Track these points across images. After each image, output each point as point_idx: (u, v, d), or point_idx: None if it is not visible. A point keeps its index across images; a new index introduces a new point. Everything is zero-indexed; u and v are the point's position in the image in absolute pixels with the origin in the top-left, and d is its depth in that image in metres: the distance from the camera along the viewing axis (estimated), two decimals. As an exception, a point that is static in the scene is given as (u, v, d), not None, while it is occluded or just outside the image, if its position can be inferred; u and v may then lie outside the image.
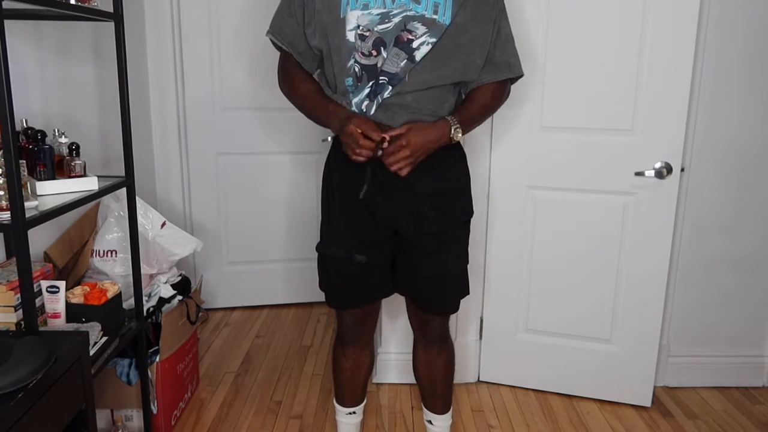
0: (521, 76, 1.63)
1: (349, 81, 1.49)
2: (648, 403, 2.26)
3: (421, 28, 1.43)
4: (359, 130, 1.41)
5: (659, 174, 2.04)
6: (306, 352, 2.69)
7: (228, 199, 3.02)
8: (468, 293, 1.72)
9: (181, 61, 2.83)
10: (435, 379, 1.79)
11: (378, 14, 1.43)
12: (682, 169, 2.16)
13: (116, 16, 1.68)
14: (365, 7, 1.43)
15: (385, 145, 1.44)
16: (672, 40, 1.97)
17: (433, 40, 1.44)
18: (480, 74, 1.55)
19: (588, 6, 2.01)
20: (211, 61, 2.86)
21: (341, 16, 1.45)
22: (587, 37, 2.04)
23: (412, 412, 2.21)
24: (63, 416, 1.25)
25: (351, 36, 1.45)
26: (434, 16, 1.43)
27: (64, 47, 2.03)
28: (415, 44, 1.43)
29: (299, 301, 3.19)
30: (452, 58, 1.47)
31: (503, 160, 2.21)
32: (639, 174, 2.06)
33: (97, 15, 1.59)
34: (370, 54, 1.44)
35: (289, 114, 2.90)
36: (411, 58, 1.44)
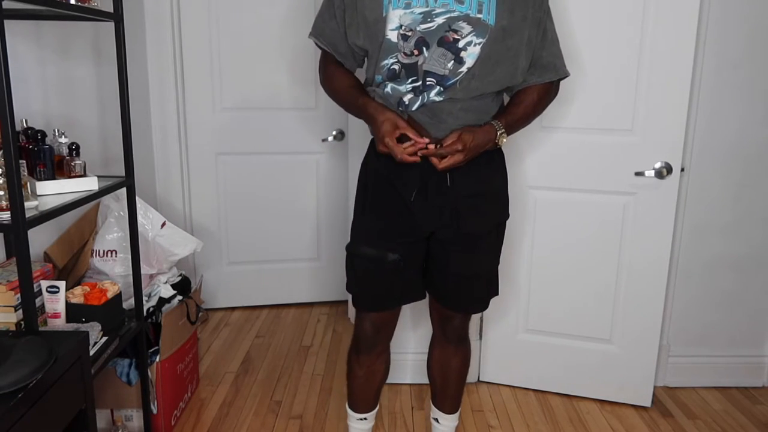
0: (567, 76, 1.63)
1: (378, 78, 1.48)
2: (648, 403, 2.26)
3: (466, 28, 1.41)
4: (395, 140, 1.43)
5: (659, 174, 2.04)
6: (306, 352, 2.69)
7: (228, 199, 3.02)
8: (497, 293, 1.72)
9: (181, 61, 2.82)
10: (448, 378, 1.79)
11: (420, 13, 1.41)
12: (682, 169, 2.16)
13: (116, 16, 1.68)
14: (407, 5, 1.41)
15: (432, 146, 1.44)
16: (672, 39, 1.97)
17: (480, 40, 1.41)
18: (526, 76, 1.54)
19: (588, 6, 2.01)
20: (211, 61, 2.86)
21: (383, 15, 1.43)
22: (587, 37, 2.03)
23: (412, 412, 2.21)
24: (63, 416, 1.25)
25: (393, 36, 1.43)
26: (479, 15, 1.41)
27: (64, 47, 2.03)
28: (461, 44, 1.41)
29: (299, 301, 3.19)
30: (501, 62, 1.46)
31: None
32: (639, 174, 2.06)
33: (97, 15, 1.59)
34: (412, 53, 1.43)
35: (289, 114, 2.94)
36: (458, 59, 1.42)
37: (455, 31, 1.40)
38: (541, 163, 2.17)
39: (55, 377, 1.19)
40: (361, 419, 1.83)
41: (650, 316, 2.19)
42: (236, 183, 3.01)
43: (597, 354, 2.26)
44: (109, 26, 1.72)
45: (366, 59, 1.58)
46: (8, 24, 1.23)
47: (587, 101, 2.08)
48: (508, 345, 2.36)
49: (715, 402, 2.31)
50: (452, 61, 1.42)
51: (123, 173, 1.79)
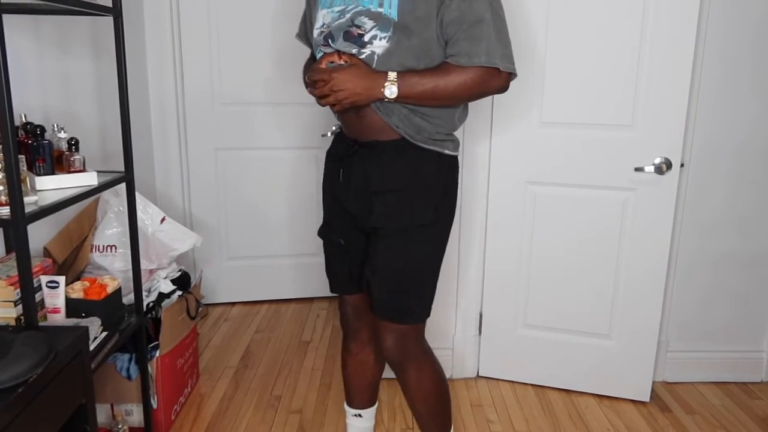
0: (487, 66, 1.38)
1: None
2: (647, 398, 2.26)
3: (368, 23, 1.40)
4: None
5: (659, 169, 2.04)
6: (306, 347, 2.69)
7: (227, 195, 3.02)
8: (423, 313, 1.54)
9: (180, 56, 2.82)
10: (414, 405, 1.65)
11: (338, 11, 1.44)
12: (682, 165, 2.16)
13: (115, 11, 1.68)
14: (330, 5, 1.47)
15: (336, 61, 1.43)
16: (672, 34, 1.96)
17: (385, 34, 1.38)
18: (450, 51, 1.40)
19: (588, 1, 2.01)
20: (210, 56, 2.85)
21: (314, 15, 1.53)
22: (587, 32, 2.03)
23: (411, 407, 2.21)
24: (63, 411, 1.25)
25: (317, 34, 1.50)
26: (380, 9, 1.39)
27: (63, 42, 2.02)
28: (366, 38, 1.40)
29: (299, 296, 3.19)
30: (404, 60, 1.40)
31: (503, 155, 2.21)
32: (638, 169, 2.06)
33: (96, 10, 1.59)
34: (324, 46, 1.49)
35: (288, 109, 2.93)
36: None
37: (358, 26, 1.41)
38: (540, 159, 2.17)
39: (55, 372, 1.19)
40: (356, 415, 1.80)
41: (649, 312, 2.19)
42: (236, 178, 3.01)
43: (596, 349, 2.27)
44: (108, 21, 1.71)
45: None
46: (7, 19, 1.22)
47: (586, 96, 2.07)
48: (507, 340, 2.37)
49: (714, 397, 2.32)
50: (357, 49, 1.42)
51: (122, 168, 1.79)
